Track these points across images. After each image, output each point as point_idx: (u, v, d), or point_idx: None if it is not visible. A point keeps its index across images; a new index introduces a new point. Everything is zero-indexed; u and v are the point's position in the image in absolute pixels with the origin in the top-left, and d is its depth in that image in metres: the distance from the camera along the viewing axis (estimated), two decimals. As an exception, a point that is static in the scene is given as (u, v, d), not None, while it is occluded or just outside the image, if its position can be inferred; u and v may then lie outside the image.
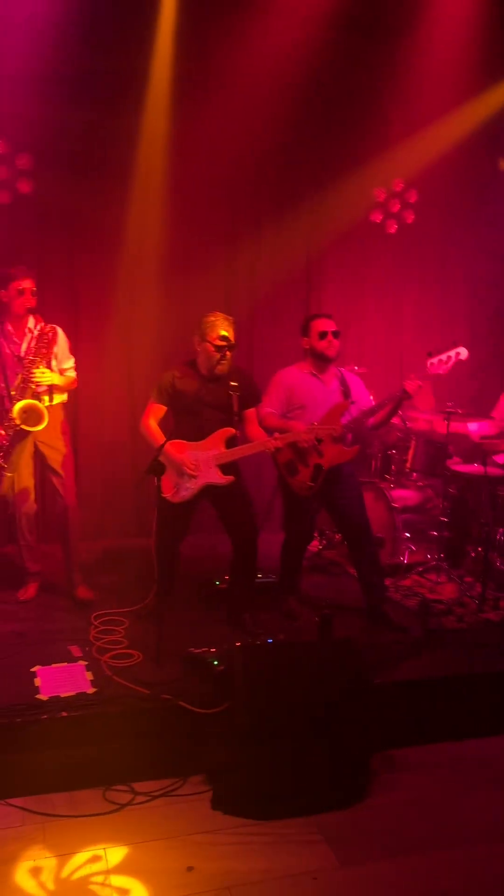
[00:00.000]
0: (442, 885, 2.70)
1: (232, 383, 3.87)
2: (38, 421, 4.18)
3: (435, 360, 4.20)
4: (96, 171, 5.44)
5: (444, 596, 4.68)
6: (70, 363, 4.40)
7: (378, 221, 6.18)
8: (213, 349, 3.86)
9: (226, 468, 3.92)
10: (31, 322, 4.31)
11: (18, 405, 4.13)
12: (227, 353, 3.87)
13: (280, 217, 5.96)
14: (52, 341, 4.22)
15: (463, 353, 4.17)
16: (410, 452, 5.43)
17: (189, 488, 3.92)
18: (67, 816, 2.96)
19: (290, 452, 4.13)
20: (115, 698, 3.30)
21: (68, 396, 4.50)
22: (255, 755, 3.06)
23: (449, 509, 5.04)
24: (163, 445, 3.79)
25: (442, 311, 6.44)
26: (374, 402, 4.29)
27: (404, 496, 5.23)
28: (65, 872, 2.68)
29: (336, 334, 4.22)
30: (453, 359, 4.17)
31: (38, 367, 4.18)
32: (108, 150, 5.45)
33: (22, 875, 2.66)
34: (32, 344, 4.21)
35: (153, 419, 4.02)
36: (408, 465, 5.41)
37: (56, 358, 4.33)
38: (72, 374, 4.41)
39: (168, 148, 5.49)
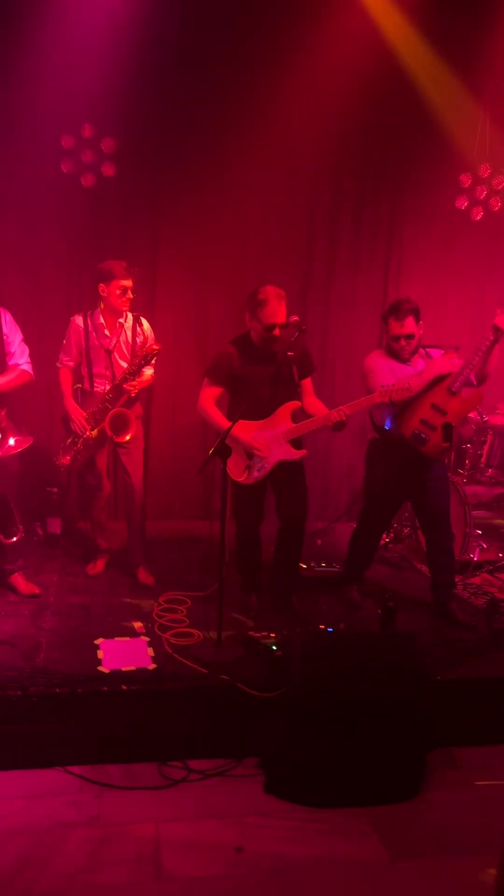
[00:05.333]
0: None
1: (288, 353, 3.78)
2: (125, 430, 4.23)
3: None
4: (178, 156, 5.47)
5: (514, 596, 4.54)
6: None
7: (463, 208, 6.00)
8: (262, 328, 3.80)
9: (296, 443, 3.88)
10: (124, 318, 4.35)
11: (110, 414, 4.19)
12: (277, 331, 3.79)
13: (361, 202, 5.85)
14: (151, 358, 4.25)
15: None
16: (486, 447, 5.28)
17: (262, 468, 3.87)
18: (123, 788, 3.02)
19: (414, 422, 3.94)
20: (174, 676, 3.34)
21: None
22: (311, 742, 3.05)
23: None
24: (230, 429, 3.75)
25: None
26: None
27: (477, 492, 5.08)
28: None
29: (409, 338, 4.00)
30: None
31: (133, 382, 4.22)
32: (189, 134, 5.47)
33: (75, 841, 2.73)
34: (135, 354, 4.24)
35: (211, 401, 3.98)
36: (483, 460, 5.27)
37: (139, 350, 4.34)
38: (151, 370, 4.42)
39: (248, 131, 5.45)
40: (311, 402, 3.97)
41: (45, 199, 5.33)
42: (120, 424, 4.23)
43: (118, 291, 4.23)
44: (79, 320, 4.38)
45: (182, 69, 5.33)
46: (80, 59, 5.05)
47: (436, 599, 4.23)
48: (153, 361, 4.35)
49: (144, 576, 4.47)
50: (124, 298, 4.25)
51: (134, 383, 4.24)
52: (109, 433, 4.21)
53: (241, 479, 3.91)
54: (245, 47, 5.32)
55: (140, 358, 4.21)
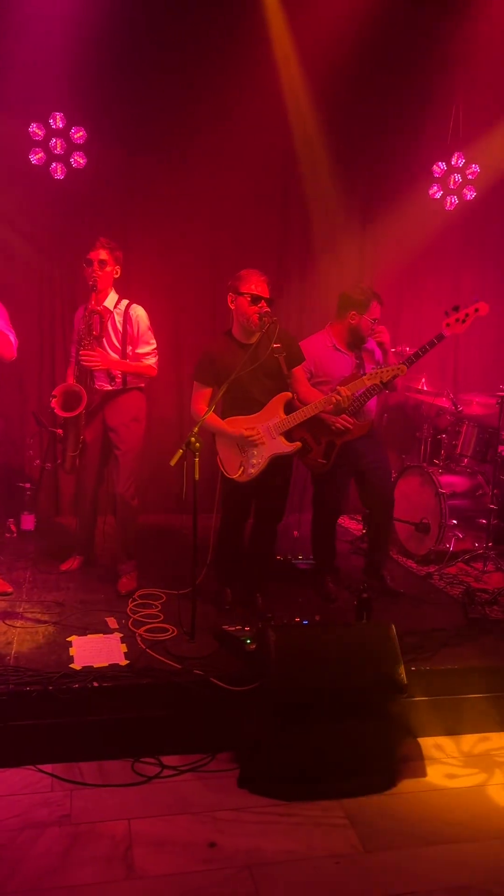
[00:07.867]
0: (465, 878, 2.62)
1: (274, 345, 3.64)
2: (76, 405, 4.00)
3: (451, 318, 4.04)
4: (149, 146, 5.42)
5: (489, 585, 4.55)
6: (147, 349, 4.17)
7: (436, 197, 5.98)
8: (247, 302, 3.69)
9: (289, 435, 3.79)
10: (114, 303, 4.14)
11: (59, 387, 4.04)
12: (263, 304, 3.68)
13: (334, 190, 5.83)
14: (106, 319, 4.04)
15: (482, 308, 4.03)
16: (461, 437, 5.28)
17: (256, 464, 3.76)
18: (95, 785, 2.98)
19: (301, 430, 3.97)
20: (147, 671, 3.31)
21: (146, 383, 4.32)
22: (284, 736, 3.03)
23: (499, 497, 4.89)
24: (201, 420, 3.65)
25: (502, 290, 6.21)
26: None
27: (453, 482, 5.09)
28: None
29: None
30: (472, 316, 4.02)
31: (86, 349, 4.02)
32: (162, 124, 5.41)
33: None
34: (84, 322, 4.04)
35: (203, 404, 3.82)
36: (458, 450, 5.27)
37: (131, 341, 4.16)
38: (149, 360, 4.17)
39: (221, 122, 5.42)
40: (305, 390, 3.86)
41: (14, 189, 5.25)
42: (69, 399, 4.04)
43: (84, 264, 4.08)
44: (80, 311, 4.23)
45: (153, 58, 5.29)
46: (49, 47, 4.98)
47: (365, 571, 4.46)
48: (151, 350, 4.19)
49: (121, 584, 4.25)
50: (89, 270, 4.05)
51: (91, 354, 4.03)
52: (54, 406, 4.02)
53: (235, 476, 3.80)
54: (216, 33, 5.27)
55: (88, 318, 4.01)
